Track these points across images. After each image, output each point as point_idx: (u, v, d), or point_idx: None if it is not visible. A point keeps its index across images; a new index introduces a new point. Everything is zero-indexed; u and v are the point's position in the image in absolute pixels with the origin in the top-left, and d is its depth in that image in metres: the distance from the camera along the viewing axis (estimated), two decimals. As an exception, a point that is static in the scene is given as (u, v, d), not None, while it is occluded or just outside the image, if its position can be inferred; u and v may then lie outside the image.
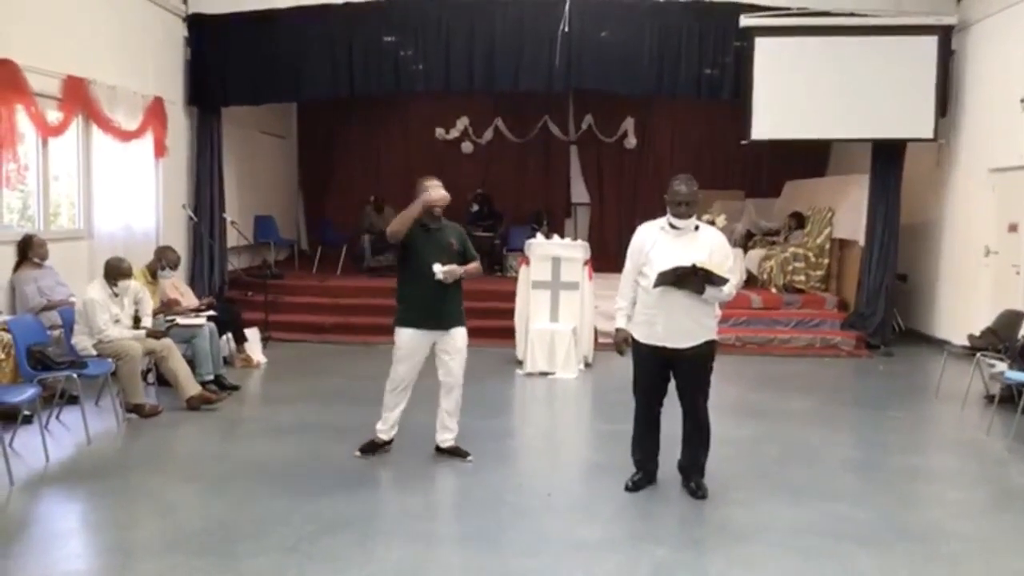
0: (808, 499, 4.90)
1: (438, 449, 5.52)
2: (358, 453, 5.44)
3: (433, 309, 5.27)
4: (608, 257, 11.22)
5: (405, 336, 5.32)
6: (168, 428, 6.23)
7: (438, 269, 5.15)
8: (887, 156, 9.90)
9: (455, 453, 5.49)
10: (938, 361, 8.03)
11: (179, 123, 10.14)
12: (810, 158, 13.17)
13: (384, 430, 5.49)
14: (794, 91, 9.66)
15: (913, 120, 9.53)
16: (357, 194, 13.76)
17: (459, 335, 5.40)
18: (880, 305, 9.89)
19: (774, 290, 10.58)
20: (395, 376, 5.40)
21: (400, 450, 5.64)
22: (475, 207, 13.56)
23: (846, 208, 10.58)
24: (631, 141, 14.35)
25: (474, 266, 5.47)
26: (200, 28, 10.26)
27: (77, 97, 7.99)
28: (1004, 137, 8.84)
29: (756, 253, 11.28)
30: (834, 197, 10.99)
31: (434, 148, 14.49)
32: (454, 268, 5.22)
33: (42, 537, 4.28)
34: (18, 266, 7.20)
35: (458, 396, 5.48)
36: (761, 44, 9.66)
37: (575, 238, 10.30)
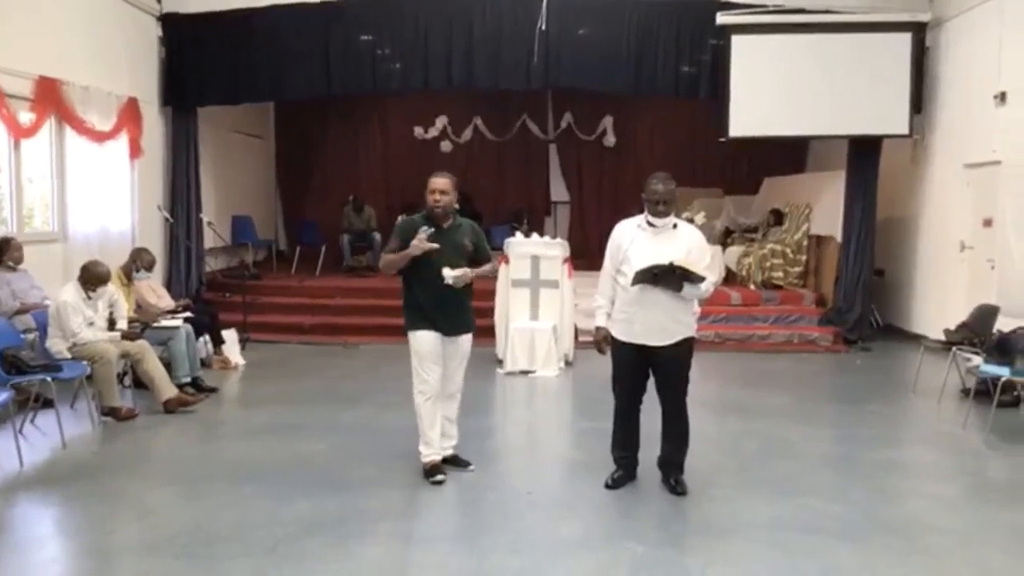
0: (787, 494, 4.91)
1: (442, 460, 5.15)
2: (435, 478, 4.97)
3: (444, 313, 4.94)
4: (588, 255, 11.28)
5: (422, 340, 4.95)
6: (145, 431, 6.17)
7: (448, 274, 4.80)
8: (864, 152, 9.97)
9: (455, 463, 5.21)
10: (915, 356, 8.11)
11: (154, 123, 10.05)
12: (788, 155, 13.26)
13: (434, 452, 5.07)
14: (771, 88, 9.72)
15: (889, 116, 9.62)
16: (336, 194, 13.72)
17: (466, 341, 5.12)
18: (857, 300, 9.96)
19: (753, 287, 10.64)
20: (424, 382, 4.98)
21: (378, 450, 5.61)
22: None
23: (823, 204, 10.66)
24: (610, 139, 14.38)
25: (488, 266, 5.19)
26: (175, 27, 10.18)
27: (49, 98, 7.91)
28: (979, 133, 8.93)
29: (735, 250, 11.33)
30: (812, 193, 11.07)
31: (413, 147, 14.47)
32: (465, 272, 4.88)
33: (18, 542, 4.22)
34: (-8, 269, 7.10)
35: (457, 403, 5.26)
36: (738, 42, 9.71)
37: (555, 236, 10.31)
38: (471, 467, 5.22)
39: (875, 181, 9.99)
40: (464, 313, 5.06)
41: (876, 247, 10.13)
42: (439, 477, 4.98)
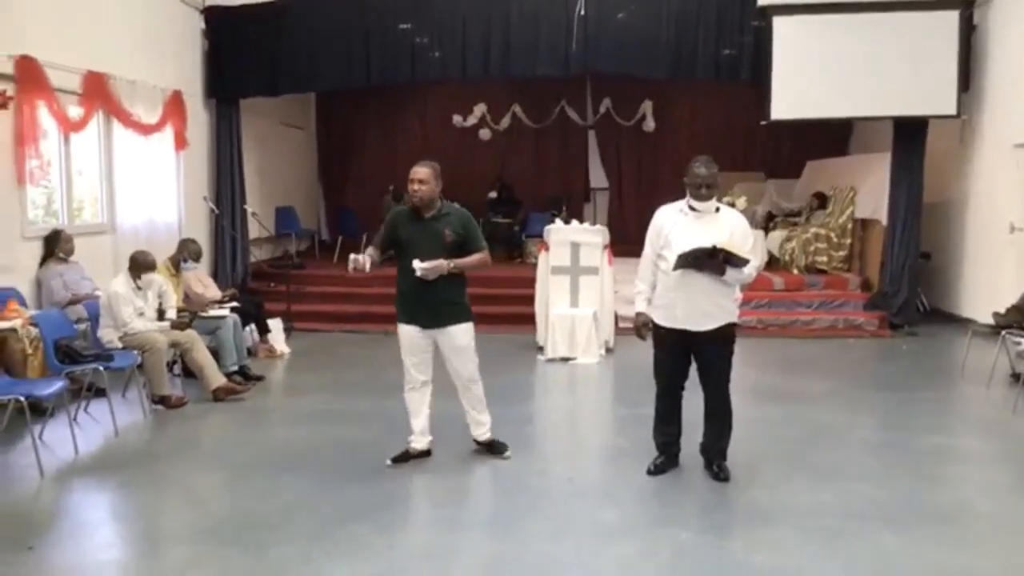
0: (832, 481, 4.88)
1: (476, 442, 5.30)
2: (389, 462, 5.09)
3: (423, 305, 4.89)
4: (627, 241, 11.19)
5: (402, 332, 5.02)
6: (194, 419, 6.31)
7: (416, 266, 4.73)
8: (909, 134, 9.77)
9: (491, 448, 5.25)
10: (963, 340, 7.96)
11: (198, 116, 10.21)
12: (831, 137, 13.05)
13: (415, 438, 5.18)
14: (814, 70, 9.56)
15: (935, 97, 9.42)
16: (376, 183, 13.80)
17: (457, 333, 4.98)
18: (904, 285, 9.79)
19: (796, 271, 10.52)
20: (406, 373, 5.11)
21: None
22: (494, 194, 13.57)
23: (868, 187, 10.48)
24: (649, 124, 14.26)
25: (473, 259, 4.94)
26: (217, 20, 10.32)
27: (97, 92, 8.07)
28: (1029, 112, 8.71)
29: (777, 234, 11.21)
30: (856, 176, 10.89)
31: (452, 135, 14.50)
32: (438, 264, 4.75)
33: (73, 527, 4.36)
34: (44, 261, 7.31)
35: (477, 392, 5.19)
36: (779, 23, 9.57)
37: (594, 223, 10.28)
38: (507, 454, 5.22)
39: (921, 163, 9.79)
40: (446, 305, 4.92)
41: (922, 230, 9.93)
42: (388, 463, 5.07)
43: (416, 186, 4.84)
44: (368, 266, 4.83)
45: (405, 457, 5.14)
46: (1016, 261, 8.93)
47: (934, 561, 3.87)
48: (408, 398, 5.15)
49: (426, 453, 5.20)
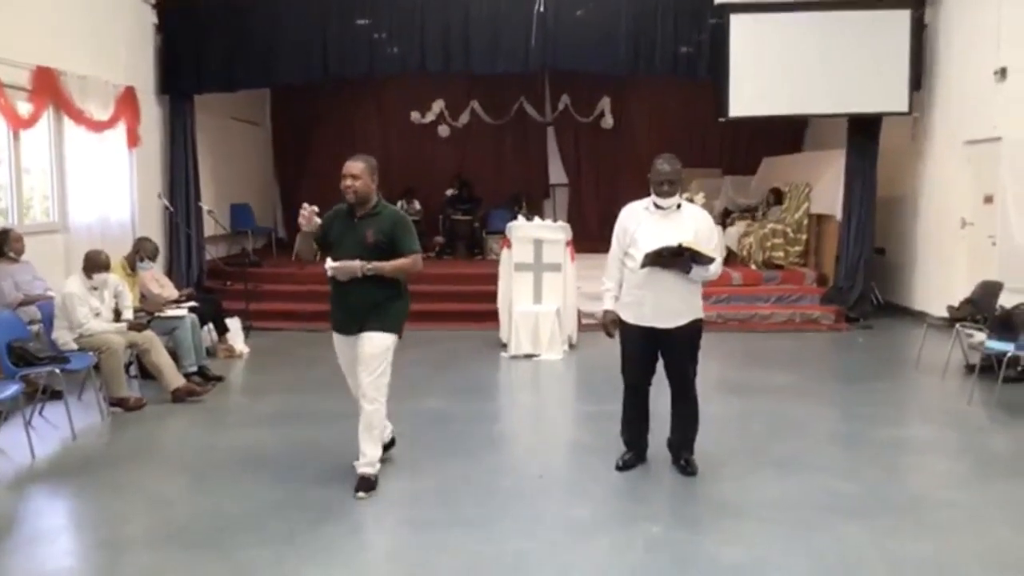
0: (796, 473, 4.96)
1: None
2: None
3: (342, 309, 4.61)
4: (588, 238, 11.27)
5: (334, 340, 4.75)
6: (154, 421, 6.18)
7: (328, 265, 4.48)
8: (863, 130, 9.96)
9: (359, 483, 4.60)
10: (917, 333, 8.15)
11: (151, 112, 10.00)
12: (786, 134, 13.25)
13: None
14: (770, 68, 9.69)
15: (888, 94, 9.61)
16: (333, 180, 13.26)
17: (367, 340, 4.53)
18: (859, 279, 9.99)
19: (753, 266, 10.67)
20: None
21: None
22: (453, 191, 13.53)
23: (823, 183, 10.66)
24: (608, 121, 14.33)
25: (397, 263, 4.50)
26: (170, 14, 10.11)
27: (47, 88, 7.85)
28: (978, 110, 8.92)
29: (735, 230, 11.34)
30: (811, 172, 11.07)
31: (410, 132, 14.42)
32: (348, 264, 4.43)
33: (31, 534, 4.23)
34: (-7, 261, 7.08)
35: (370, 415, 4.60)
36: (736, 21, 9.68)
37: (555, 219, 10.29)
38: (360, 495, 4.54)
39: (875, 159, 9.99)
40: (364, 311, 4.53)
41: (876, 225, 10.13)
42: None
43: (349, 181, 4.52)
44: (312, 221, 4.60)
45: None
46: (967, 255, 9.15)
47: (899, 551, 3.94)
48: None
49: (391, 444, 5.08)
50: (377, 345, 4.55)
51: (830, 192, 10.41)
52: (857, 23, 9.54)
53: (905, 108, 9.62)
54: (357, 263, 4.44)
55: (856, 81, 9.55)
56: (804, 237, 10.83)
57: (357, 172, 4.53)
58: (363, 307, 4.53)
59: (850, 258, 10.02)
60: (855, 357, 8.61)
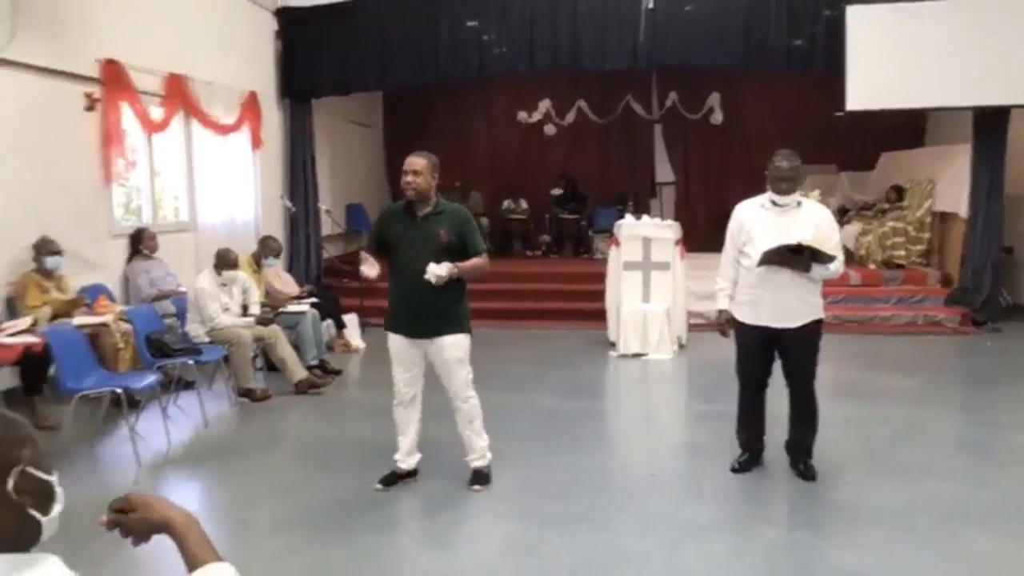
0: (922, 480, 4.78)
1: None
2: (379, 486, 4.67)
3: (415, 313, 4.44)
4: (695, 236, 11.09)
5: (391, 342, 4.61)
6: (278, 411, 6.46)
7: (431, 270, 4.25)
8: (990, 123, 9.48)
9: (472, 477, 4.69)
10: (1050, 336, 7.72)
11: (272, 116, 10.41)
12: (906, 128, 12.71)
13: (401, 457, 4.73)
14: (889, 59, 9.31)
15: (1017, 85, 9.10)
16: (442, 180, 13.77)
17: (447, 345, 4.46)
18: (986, 280, 9.51)
19: (873, 266, 10.31)
20: (395, 387, 4.70)
21: (498, 432, 5.68)
22: (559, 190, 13.58)
23: (947, 179, 10.20)
24: (717, 117, 14.08)
25: (473, 263, 4.43)
26: (289, 21, 10.50)
27: (178, 94, 8.29)
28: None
29: (852, 228, 10.97)
30: (934, 168, 10.61)
31: (517, 132, 14.54)
32: (447, 269, 4.29)
33: (171, 516, 4.49)
34: (130, 258, 7.54)
35: (469, 412, 4.62)
36: (853, 12, 9.34)
37: (661, 218, 10.20)
38: (476, 487, 4.65)
39: (1003, 154, 9.48)
40: (439, 315, 4.43)
41: (1005, 223, 9.64)
42: (377, 486, 4.65)
43: (410, 177, 4.35)
44: (375, 273, 4.53)
45: (392, 479, 4.71)
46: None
47: (1035, 562, 3.77)
48: (396, 414, 4.72)
49: (412, 473, 4.77)
50: (461, 347, 4.53)
51: (955, 189, 9.95)
52: (982, 9, 9.08)
53: (1036, 100, 9.12)
54: (451, 266, 4.32)
55: (982, 71, 9.07)
56: (927, 236, 10.39)
57: (418, 168, 4.36)
58: (438, 310, 4.42)
59: (977, 258, 9.55)
60: (983, 361, 8.22)
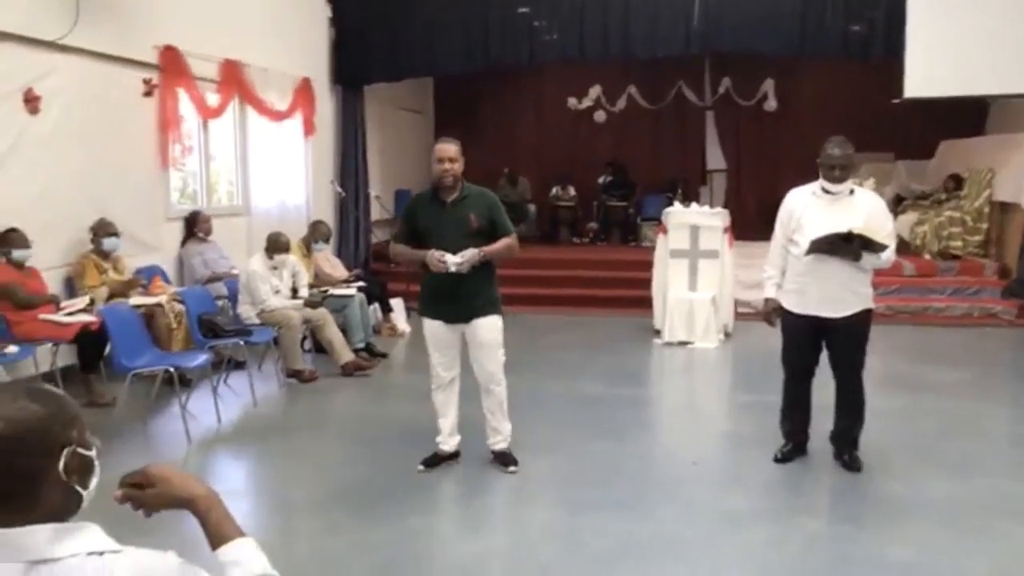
0: (971, 474, 4.69)
1: (492, 452, 4.82)
2: (421, 467, 4.74)
3: (448, 298, 4.48)
4: (746, 225, 10.97)
5: (427, 327, 4.64)
6: (325, 392, 6.57)
7: (451, 261, 4.31)
8: (1055, 111, 9.19)
9: (501, 459, 4.76)
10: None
11: (325, 102, 10.51)
12: (967, 116, 12.34)
13: (443, 440, 4.80)
14: (950, 45, 9.05)
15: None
16: (491, 166, 13.87)
17: (484, 326, 4.52)
18: (1045, 272, 9.25)
19: (928, 256, 10.08)
20: (432, 371, 4.74)
21: (543, 417, 5.73)
22: (608, 177, 13.50)
23: (1008, 169, 9.91)
24: (771, 104, 13.84)
25: (502, 244, 4.47)
26: (343, 8, 10.59)
27: (233, 80, 8.43)
28: None
29: (908, 218, 10.74)
30: (994, 157, 10.31)
31: (567, 118, 14.47)
32: (471, 255, 4.33)
33: (219, 492, 4.60)
34: (185, 240, 7.72)
35: (499, 395, 4.70)
36: (914, -5, 9.12)
37: (711, 206, 10.10)
38: (512, 468, 4.71)
39: (1067, 142, 9.21)
40: (475, 297, 4.49)
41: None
42: (420, 467, 4.72)
43: (447, 165, 4.41)
44: (458, 260, 4.35)
45: (435, 460, 4.79)
46: None
47: (1088, 562, 3.68)
48: (435, 398, 4.77)
49: (455, 455, 4.84)
50: (497, 329, 4.58)
51: (1016, 178, 9.66)
52: (1049, -6, 8.80)
53: (1104, 86, 8.80)
54: (475, 250, 4.35)
55: (1048, 58, 8.80)
56: (985, 226, 10.12)
57: (453, 155, 4.43)
58: (473, 293, 4.47)
59: (1036, 249, 9.28)
60: (1040, 355, 8.02)
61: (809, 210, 4.61)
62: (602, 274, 10.70)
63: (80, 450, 1.38)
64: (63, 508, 1.36)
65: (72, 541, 1.31)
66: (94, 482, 1.40)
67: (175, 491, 1.47)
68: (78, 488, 1.37)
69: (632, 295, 9.48)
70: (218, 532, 1.46)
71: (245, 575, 1.43)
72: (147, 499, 1.46)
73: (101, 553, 1.31)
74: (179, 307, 6.34)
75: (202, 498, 1.48)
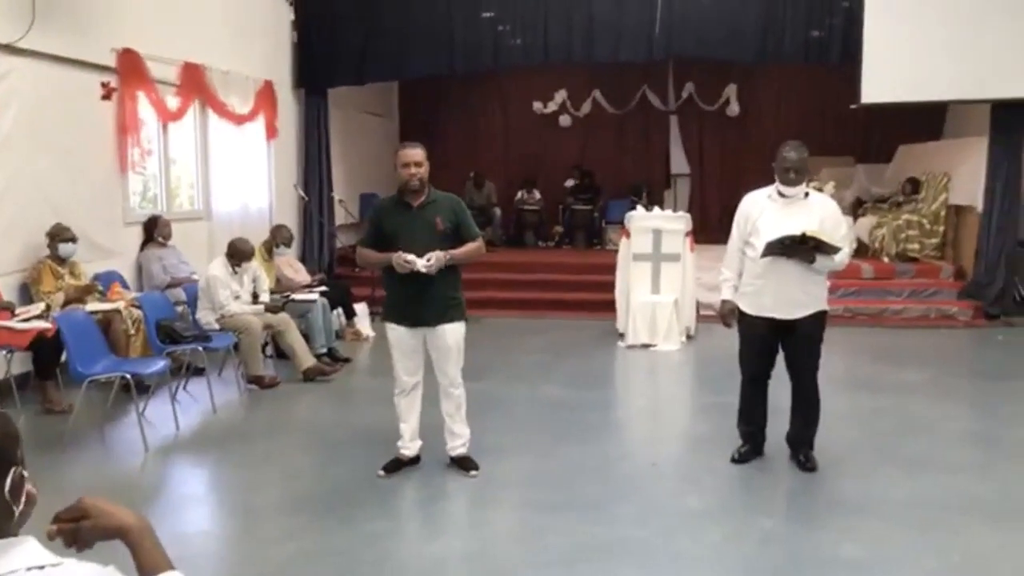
0: (925, 472, 4.77)
1: (451, 459, 4.81)
2: (382, 472, 4.70)
3: (414, 301, 4.46)
4: (709, 228, 11.10)
5: (391, 333, 4.62)
6: (287, 398, 6.53)
7: (420, 264, 4.31)
8: (1008, 117, 9.37)
9: (461, 464, 4.75)
10: (1063, 331, 7.66)
11: (288, 105, 10.46)
12: (925, 121, 12.56)
13: (404, 444, 4.78)
14: (907, 51, 9.23)
15: (1036, 77, 9.01)
16: (457, 170, 13.87)
17: (448, 332, 4.52)
18: (999, 273, 9.44)
19: (886, 259, 10.26)
20: (395, 376, 4.72)
21: (507, 421, 5.75)
22: (573, 181, 13.56)
23: (963, 173, 10.12)
24: (733, 109, 14.00)
25: (470, 247, 4.51)
26: (305, 12, 10.54)
27: (194, 83, 8.35)
28: None
29: (867, 221, 10.92)
30: (950, 161, 10.53)
31: (532, 122, 14.51)
32: (438, 256, 4.35)
33: (176, 500, 4.59)
34: (144, 245, 7.63)
35: (458, 398, 4.71)
36: (871, 3, 9.28)
37: (675, 209, 10.19)
38: (474, 472, 4.71)
39: (1020, 147, 9.38)
40: (439, 302, 4.48)
41: (1020, 217, 9.54)
42: (381, 472, 4.69)
43: (413, 169, 4.40)
44: (424, 261, 4.35)
45: (396, 465, 4.76)
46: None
47: (1034, 557, 3.76)
48: (398, 402, 4.75)
49: (416, 460, 4.82)
50: (460, 334, 4.60)
51: (971, 182, 9.87)
52: (1001, 2, 8.98)
53: (1056, 92, 9.01)
54: (442, 253, 4.36)
55: (1000, 64, 8.99)
56: (941, 229, 10.32)
57: (420, 159, 4.43)
58: (439, 297, 4.48)
59: (991, 251, 9.48)
60: (994, 355, 8.17)
61: (765, 213, 4.67)
62: (567, 278, 10.75)
63: (23, 471, 1.38)
64: (2, 526, 1.35)
65: (11, 557, 1.30)
66: (23, 501, 1.40)
67: (110, 521, 1.46)
68: (13, 505, 1.36)
69: (597, 298, 9.53)
70: (148, 562, 1.45)
71: None
72: (83, 531, 1.45)
73: (42, 567, 1.30)
74: (137, 313, 6.26)
75: (135, 528, 1.47)
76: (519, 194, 13.58)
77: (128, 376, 5.36)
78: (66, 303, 6.12)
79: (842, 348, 7.89)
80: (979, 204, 9.64)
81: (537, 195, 13.46)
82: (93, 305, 6.15)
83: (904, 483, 4.62)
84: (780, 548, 3.86)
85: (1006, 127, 9.40)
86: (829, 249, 4.50)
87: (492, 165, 14.25)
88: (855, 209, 11.57)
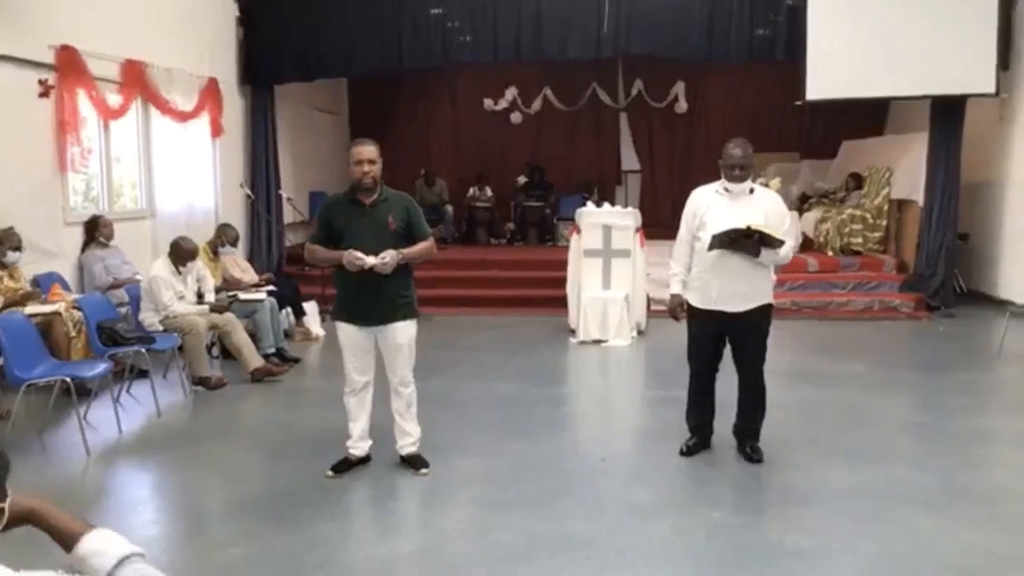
0: (867, 462, 4.87)
1: (400, 458, 4.77)
2: (330, 472, 4.66)
3: (364, 301, 4.44)
4: (660, 224, 11.16)
5: (342, 332, 4.58)
6: (234, 399, 6.43)
7: (373, 261, 4.28)
8: (947, 113, 9.62)
9: (411, 463, 4.72)
10: (1001, 322, 7.87)
11: (234, 102, 10.30)
12: (867, 117, 12.86)
13: (353, 444, 4.73)
14: (849, 49, 9.42)
15: (974, 75, 9.23)
16: (408, 168, 13.80)
17: (399, 330, 4.51)
18: (940, 266, 9.68)
19: (831, 253, 10.45)
20: (346, 376, 4.68)
21: (458, 419, 5.74)
22: (524, 178, 13.57)
23: (904, 167, 10.35)
24: (682, 106, 14.15)
25: (422, 247, 4.49)
26: (251, 8, 10.39)
27: (136, 80, 8.19)
28: (1071, 90, 8.53)
29: (812, 215, 11.11)
30: (892, 157, 10.76)
31: (483, 119, 14.50)
32: (392, 255, 4.32)
33: (118, 504, 4.49)
34: (85, 246, 7.46)
35: (408, 396, 4.68)
36: (814, 2, 9.44)
37: (626, 206, 10.25)
38: (424, 471, 4.68)
39: (959, 142, 9.63)
40: (390, 300, 4.46)
41: (960, 211, 9.80)
42: (329, 473, 4.66)
43: (366, 167, 4.36)
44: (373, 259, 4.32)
45: (345, 465, 4.71)
46: (1057, 242, 8.78)
47: (971, 542, 3.85)
48: (347, 402, 4.70)
49: (365, 460, 4.77)
50: (411, 333, 4.59)
51: (912, 177, 10.10)
52: (941, 1, 9.21)
53: (992, 89, 9.24)
54: (394, 252, 4.34)
55: (940, 61, 9.21)
56: (884, 223, 10.54)
57: (372, 156, 4.39)
58: (390, 297, 4.45)
59: (932, 245, 9.71)
60: (935, 346, 8.37)
61: (712, 208, 4.73)
62: (519, 274, 10.75)
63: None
64: None
65: None
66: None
67: (12, 510, 1.43)
68: None
69: (548, 295, 9.56)
70: (66, 532, 1.43)
71: (111, 561, 1.40)
72: None
73: None
74: (77, 315, 6.12)
75: (40, 508, 1.44)
76: (470, 191, 13.56)
77: (68, 379, 5.22)
78: (5, 307, 5.94)
79: (787, 341, 8.02)
80: (920, 198, 9.87)
81: (489, 192, 13.45)
82: (33, 308, 5.98)
83: (847, 473, 4.71)
84: (728, 539, 3.90)
85: (945, 123, 9.63)
86: (774, 242, 4.57)
87: (443, 162, 14.21)
88: (801, 204, 11.77)
